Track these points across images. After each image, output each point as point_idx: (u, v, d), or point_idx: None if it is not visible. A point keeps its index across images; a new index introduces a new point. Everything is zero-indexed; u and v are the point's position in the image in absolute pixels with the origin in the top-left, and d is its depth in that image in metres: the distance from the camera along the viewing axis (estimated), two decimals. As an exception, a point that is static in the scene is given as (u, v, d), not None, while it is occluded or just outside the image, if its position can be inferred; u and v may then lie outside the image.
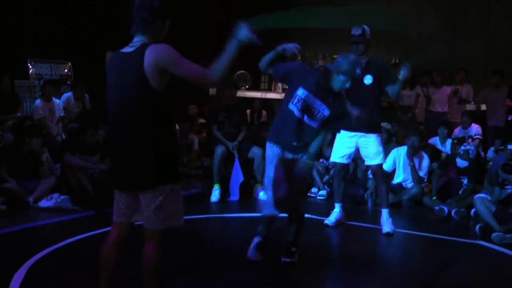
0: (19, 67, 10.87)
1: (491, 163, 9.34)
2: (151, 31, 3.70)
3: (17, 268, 5.26)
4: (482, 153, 10.36)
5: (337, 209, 7.45)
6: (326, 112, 5.41)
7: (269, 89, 14.72)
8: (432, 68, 12.16)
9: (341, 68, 5.37)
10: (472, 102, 12.14)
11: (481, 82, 12.83)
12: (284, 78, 5.79)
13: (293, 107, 5.42)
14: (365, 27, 6.90)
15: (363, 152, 7.18)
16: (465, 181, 8.63)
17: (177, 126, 11.03)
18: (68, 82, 11.38)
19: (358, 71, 5.51)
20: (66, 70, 11.68)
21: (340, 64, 5.39)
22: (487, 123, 11.63)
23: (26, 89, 10.57)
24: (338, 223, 7.39)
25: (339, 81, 5.42)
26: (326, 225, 7.35)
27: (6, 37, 10.89)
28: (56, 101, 10.10)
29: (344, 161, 7.29)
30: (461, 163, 8.71)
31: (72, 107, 10.46)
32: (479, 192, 8.15)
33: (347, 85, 5.46)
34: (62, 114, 10.16)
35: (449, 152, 9.87)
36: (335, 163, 7.45)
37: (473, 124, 10.81)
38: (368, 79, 6.86)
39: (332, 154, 7.37)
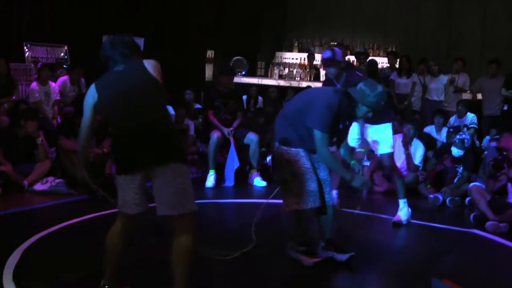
0: (15, 50, 10.82)
1: (486, 152, 9.36)
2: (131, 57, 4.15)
3: (12, 251, 5.27)
4: (477, 142, 10.38)
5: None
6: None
7: (265, 75, 14.72)
8: (429, 57, 12.17)
9: (366, 100, 5.16)
10: (468, 91, 12.15)
11: (477, 72, 12.85)
12: None
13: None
14: (336, 49, 6.75)
15: (375, 138, 7.11)
16: (460, 169, 8.65)
17: (172, 111, 11.02)
18: (64, 65, 11.34)
19: (383, 103, 5.29)
20: (62, 54, 11.63)
21: (367, 95, 5.15)
22: (482, 112, 11.64)
23: (21, 72, 10.52)
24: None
25: (362, 111, 5.24)
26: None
27: (1, 20, 10.84)
28: (52, 84, 10.07)
29: (353, 144, 7.16)
30: (456, 152, 8.72)
31: (68, 91, 10.43)
32: (473, 181, 8.17)
33: (370, 115, 5.30)
34: (58, 97, 10.13)
35: (445, 140, 9.88)
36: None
37: (468, 113, 10.81)
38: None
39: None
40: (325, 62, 6.77)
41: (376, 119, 6.76)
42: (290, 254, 5.48)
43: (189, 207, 3.95)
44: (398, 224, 7.03)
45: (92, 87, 4.15)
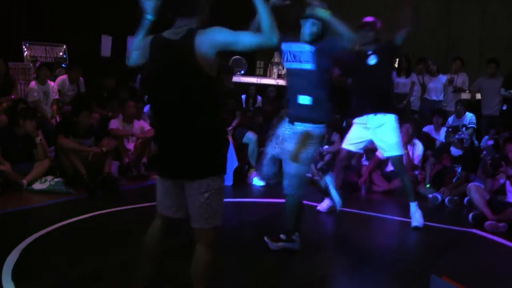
0: (14, 49, 10.82)
1: (485, 152, 9.37)
2: (199, 11, 3.62)
3: (10, 250, 5.25)
4: (476, 142, 10.38)
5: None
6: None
7: (264, 75, 14.70)
8: (428, 57, 12.16)
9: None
10: (467, 91, 12.15)
11: (476, 71, 12.84)
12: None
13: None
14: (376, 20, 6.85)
15: (379, 145, 6.97)
16: (459, 169, 8.66)
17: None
18: (63, 65, 11.34)
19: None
20: (61, 53, 11.62)
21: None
22: (481, 112, 11.64)
23: (20, 71, 10.50)
24: (331, 210, 7.28)
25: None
26: (319, 211, 7.33)
27: (0, 19, 10.84)
28: (50, 83, 10.06)
29: (353, 149, 7.13)
30: (455, 151, 8.73)
31: (67, 90, 10.42)
32: (472, 180, 8.18)
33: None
34: (57, 96, 10.12)
35: (444, 140, 9.89)
36: (342, 150, 7.25)
37: (467, 113, 10.81)
38: (371, 59, 6.74)
39: (345, 140, 7.20)
40: (365, 24, 6.84)
41: (378, 107, 6.76)
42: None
43: (212, 223, 3.66)
44: (418, 228, 6.87)
45: (148, 41, 3.68)
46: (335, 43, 5.44)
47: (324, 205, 7.32)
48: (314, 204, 7.39)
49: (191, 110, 3.51)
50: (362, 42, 6.75)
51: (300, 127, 5.45)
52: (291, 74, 5.67)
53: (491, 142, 9.14)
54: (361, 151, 7.48)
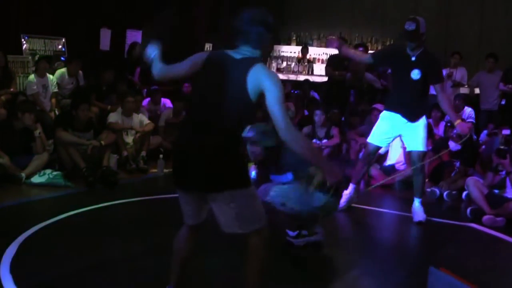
0: (13, 42, 10.79)
1: (483, 146, 9.38)
2: (264, 44, 3.68)
3: (9, 243, 5.26)
4: (475, 137, 10.39)
5: (348, 191, 7.24)
6: None
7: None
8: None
9: None
10: (466, 86, 12.15)
11: (475, 66, 12.84)
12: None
13: None
14: (420, 19, 6.60)
15: (405, 138, 6.96)
16: (457, 164, 8.66)
17: (170, 104, 11.02)
18: (62, 58, 11.32)
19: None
20: (60, 46, 11.59)
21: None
22: (480, 106, 11.65)
23: (19, 65, 10.48)
24: (349, 204, 7.19)
25: None
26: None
27: (-1, 12, 10.82)
28: (49, 77, 10.05)
29: (382, 144, 7.11)
30: (453, 146, 8.74)
31: (66, 83, 10.41)
32: (471, 175, 8.19)
33: None
34: (56, 90, 10.12)
35: (442, 134, 9.89)
36: (368, 144, 7.13)
37: (466, 108, 10.81)
38: (415, 74, 6.62)
39: (371, 134, 7.09)
40: (407, 35, 6.57)
41: (409, 118, 6.74)
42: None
43: (247, 229, 3.65)
44: (421, 223, 6.88)
45: (205, 55, 3.76)
46: None
47: (342, 200, 7.22)
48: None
49: (229, 126, 3.53)
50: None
51: None
52: None
53: (485, 132, 9.12)
54: (388, 146, 7.43)
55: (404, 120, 6.80)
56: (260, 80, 3.46)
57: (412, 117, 6.77)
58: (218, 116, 3.52)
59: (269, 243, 3.72)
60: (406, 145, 7.17)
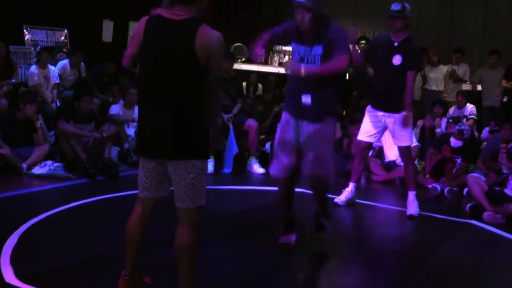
0: (15, 33, 10.79)
1: (485, 143, 9.37)
2: (198, 2, 3.66)
3: (9, 234, 5.27)
4: (476, 133, 10.39)
5: (349, 188, 7.29)
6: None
7: (265, 63, 14.66)
8: (429, 47, 12.14)
9: None
10: (468, 82, 12.14)
11: (477, 62, 12.83)
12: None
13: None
14: (406, 4, 6.78)
15: (392, 133, 7.01)
16: (458, 160, 8.65)
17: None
18: (64, 49, 11.32)
19: None
20: (62, 37, 11.60)
21: None
22: (482, 103, 11.64)
23: (21, 55, 10.50)
24: (349, 202, 7.26)
25: None
26: (336, 204, 7.20)
27: (2, 3, 10.80)
28: (51, 68, 10.05)
29: (371, 140, 7.13)
30: (455, 142, 8.73)
31: (68, 74, 10.41)
32: (472, 171, 8.18)
33: None
34: (58, 81, 10.11)
35: (444, 131, 9.88)
36: (359, 142, 7.23)
37: (468, 104, 10.81)
38: (396, 60, 6.69)
39: (359, 132, 7.18)
40: (392, 14, 6.74)
41: (391, 109, 6.78)
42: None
43: (198, 202, 3.77)
44: (412, 217, 6.94)
45: (143, 21, 3.75)
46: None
47: (342, 198, 7.28)
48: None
49: (185, 91, 3.60)
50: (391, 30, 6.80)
51: None
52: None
53: (487, 129, 9.11)
54: (377, 141, 7.47)
55: (386, 114, 6.86)
56: (209, 46, 3.55)
57: (393, 107, 6.80)
58: (171, 80, 3.60)
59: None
60: (393, 140, 7.22)
